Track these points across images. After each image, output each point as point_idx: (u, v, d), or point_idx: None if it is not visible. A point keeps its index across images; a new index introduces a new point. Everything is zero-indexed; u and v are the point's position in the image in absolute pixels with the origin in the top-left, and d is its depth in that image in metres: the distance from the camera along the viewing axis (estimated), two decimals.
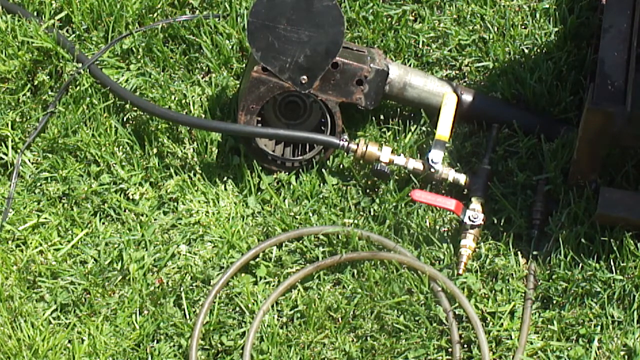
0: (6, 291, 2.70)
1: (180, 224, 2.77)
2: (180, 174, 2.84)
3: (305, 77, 2.69)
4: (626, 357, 2.48)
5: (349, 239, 2.65)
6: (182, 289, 2.65)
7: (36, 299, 2.71)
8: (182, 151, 2.87)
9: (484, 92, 2.85)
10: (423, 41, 2.95)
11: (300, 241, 2.68)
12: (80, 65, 2.94)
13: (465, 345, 2.53)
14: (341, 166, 2.81)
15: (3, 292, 2.69)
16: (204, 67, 3.01)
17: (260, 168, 2.79)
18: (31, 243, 2.79)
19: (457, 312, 2.54)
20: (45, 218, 2.83)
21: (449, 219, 2.69)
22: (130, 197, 2.83)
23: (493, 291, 2.58)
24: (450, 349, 2.51)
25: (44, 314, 2.68)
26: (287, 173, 2.80)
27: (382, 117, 2.86)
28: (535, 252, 2.61)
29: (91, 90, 2.92)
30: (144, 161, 2.87)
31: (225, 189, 2.82)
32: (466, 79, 2.92)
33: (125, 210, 2.81)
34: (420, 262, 2.60)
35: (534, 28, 2.92)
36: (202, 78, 3.00)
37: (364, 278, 2.62)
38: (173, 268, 2.70)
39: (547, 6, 2.95)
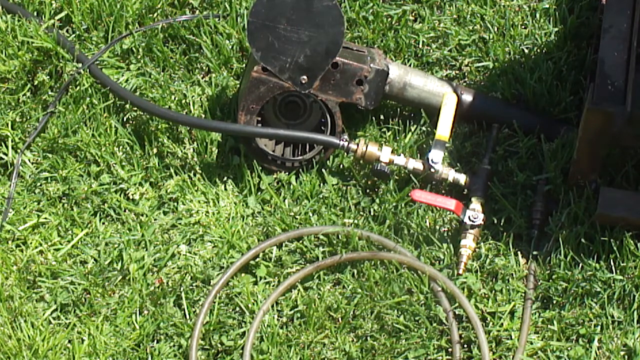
0: (6, 291, 2.70)
1: (180, 224, 2.77)
2: (180, 174, 2.85)
3: (305, 77, 2.69)
4: (626, 357, 2.48)
5: (349, 239, 2.65)
6: (182, 289, 2.65)
7: (36, 299, 2.71)
8: (182, 151, 2.87)
9: (484, 92, 2.85)
10: (423, 41, 2.95)
11: (300, 241, 2.68)
12: (80, 65, 2.94)
13: (465, 345, 2.53)
14: (341, 166, 2.81)
15: (3, 292, 2.69)
16: (204, 67, 3.01)
17: (260, 168, 2.79)
18: (31, 243, 2.79)
19: (457, 312, 2.54)
20: (45, 218, 2.83)
21: (449, 219, 2.69)
22: (130, 197, 2.83)
23: (493, 291, 2.58)
24: (450, 349, 2.51)
25: (44, 314, 2.68)
26: (287, 173, 2.80)
27: (382, 117, 2.86)
28: (535, 252, 2.61)
29: (91, 90, 2.92)
30: (144, 161, 2.87)
31: (225, 189, 2.82)
32: (466, 79, 2.92)
33: (125, 210, 2.81)
34: (420, 262, 2.60)
35: (534, 28, 2.92)
36: (202, 78, 3.00)
37: (364, 278, 2.62)
38: (173, 268, 2.70)
39: (547, 6, 2.95)
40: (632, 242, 2.51)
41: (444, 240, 2.65)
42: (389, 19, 2.98)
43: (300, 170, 2.80)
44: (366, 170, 2.78)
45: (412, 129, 2.82)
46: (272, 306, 2.61)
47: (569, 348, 2.50)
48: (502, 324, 2.53)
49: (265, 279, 2.66)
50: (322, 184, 2.78)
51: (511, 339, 2.51)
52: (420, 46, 2.95)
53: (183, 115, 2.86)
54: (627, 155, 2.66)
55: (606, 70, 2.41)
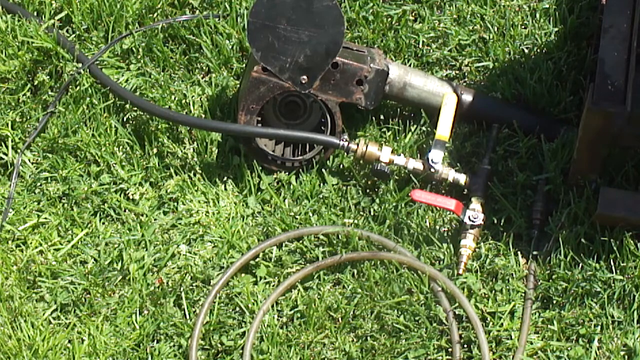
0: (6, 291, 2.70)
1: (180, 224, 2.77)
2: (180, 174, 2.84)
3: (305, 77, 2.69)
4: (626, 357, 2.48)
5: (349, 239, 2.65)
6: (182, 289, 2.65)
7: (36, 299, 2.71)
8: (182, 151, 2.87)
9: (484, 92, 2.85)
10: (423, 41, 2.95)
11: (300, 241, 2.68)
12: (80, 65, 2.94)
13: (465, 345, 2.53)
14: (341, 166, 2.81)
15: (3, 292, 2.69)
16: (204, 67, 3.01)
17: (260, 168, 2.79)
18: (31, 243, 2.79)
19: (457, 312, 2.54)
20: (45, 218, 2.83)
21: (449, 219, 2.69)
22: (130, 197, 2.83)
23: (493, 291, 2.58)
24: (450, 349, 2.51)
25: (44, 314, 2.68)
26: (287, 173, 2.80)
27: (382, 117, 2.86)
28: (535, 252, 2.61)
29: (91, 90, 2.92)
30: (144, 161, 2.87)
31: (225, 189, 2.82)
32: (466, 79, 2.92)
33: (125, 210, 2.81)
34: (420, 262, 2.60)
35: (534, 28, 2.92)
36: (202, 78, 3.00)
37: (364, 278, 2.62)
38: (173, 268, 2.70)
39: (547, 6, 2.95)
40: (632, 242, 2.51)
41: (444, 240, 2.65)
42: (389, 19, 2.98)
43: (300, 170, 2.80)
44: (366, 170, 2.78)
45: (412, 129, 2.82)
46: (272, 306, 2.61)
47: (569, 348, 2.50)
48: (502, 324, 2.53)
49: (265, 279, 2.66)
50: (322, 184, 2.78)
51: (511, 339, 2.51)
52: (420, 46, 2.95)
53: (183, 115, 2.86)
54: (627, 155, 2.66)
55: (606, 70, 2.40)
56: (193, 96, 2.93)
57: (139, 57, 3.00)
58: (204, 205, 2.79)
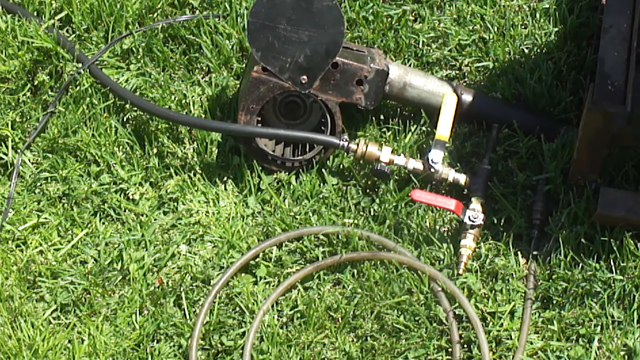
0: (6, 291, 2.70)
1: (180, 224, 2.77)
2: (180, 174, 2.84)
3: (305, 77, 2.69)
4: (626, 357, 2.48)
5: (349, 239, 2.65)
6: (182, 289, 2.65)
7: (36, 299, 2.71)
8: (182, 151, 2.87)
9: (484, 92, 2.85)
10: (423, 41, 2.95)
11: (300, 241, 2.68)
12: (80, 65, 2.94)
13: (465, 345, 2.53)
14: (341, 166, 2.81)
15: (3, 292, 2.69)
16: (204, 67, 3.01)
17: (260, 168, 2.79)
18: (31, 243, 2.79)
19: (457, 312, 2.54)
20: (45, 218, 2.83)
21: (449, 219, 2.69)
22: (130, 197, 2.83)
23: (493, 291, 2.58)
24: (450, 349, 2.51)
25: (44, 314, 2.68)
26: (287, 173, 2.80)
27: (382, 117, 2.86)
28: (535, 252, 2.61)
29: (91, 90, 2.92)
30: (144, 161, 2.87)
31: (225, 189, 2.82)
32: (466, 79, 2.92)
33: (125, 210, 2.81)
34: (420, 262, 2.60)
35: (534, 28, 2.92)
36: (202, 78, 3.00)
37: (364, 278, 2.62)
38: (173, 268, 2.70)
39: (547, 6, 2.95)
40: (632, 242, 2.51)
41: (444, 240, 2.65)
42: (389, 19, 2.98)
43: (300, 170, 2.80)
44: (366, 170, 2.78)
45: (412, 129, 2.82)
46: (272, 306, 2.61)
47: (569, 348, 2.50)
48: (502, 324, 2.53)
49: (265, 279, 2.66)
50: (322, 184, 2.78)
51: (511, 339, 2.51)
52: (420, 46, 2.95)
53: (183, 115, 2.86)
54: (627, 155, 2.66)
55: (606, 70, 2.40)
56: (193, 96, 2.93)
57: (139, 57, 3.00)
58: (204, 205, 2.79)
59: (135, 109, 2.91)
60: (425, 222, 2.68)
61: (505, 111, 2.81)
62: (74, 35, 3.07)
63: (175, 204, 2.81)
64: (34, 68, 3.02)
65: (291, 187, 2.78)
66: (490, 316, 2.54)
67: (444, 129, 2.71)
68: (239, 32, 2.99)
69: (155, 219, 2.79)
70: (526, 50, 2.89)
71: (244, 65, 2.96)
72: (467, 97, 2.80)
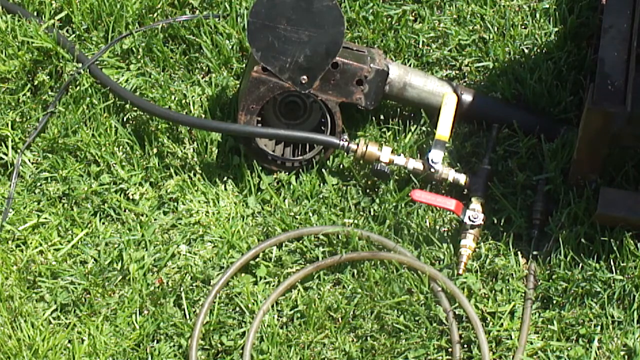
0: (6, 291, 2.70)
1: (180, 224, 2.77)
2: (180, 174, 2.84)
3: (305, 77, 2.69)
4: (626, 357, 2.48)
5: (349, 239, 2.65)
6: (182, 289, 2.65)
7: (36, 299, 2.71)
8: (182, 151, 2.87)
9: (484, 92, 2.85)
10: (423, 41, 2.95)
11: (300, 241, 2.68)
12: (80, 65, 2.94)
13: (465, 345, 2.53)
14: (341, 166, 2.81)
15: (3, 292, 2.69)
16: (204, 67, 3.01)
17: (260, 168, 2.79)
18: (31, 243, 2.79)
19: (457, 312, 2.54)
20: (45, 218, 2.83)
21: (449, 219, 2.69)
22: (130, 197, 2.83)
23: (493, 291, 2.58)
24: (450, 349, 2.51)
25: (44, 314, 2.68)
26: (287, 173, 2.80)
27: (382, 117, 2.86)
28: (535, 252, 2.61)
29: (91, 90, 2.92)
30: (144, 161, 2.87)
31: (225, 189, 2.82)
32: (466, 79, 2.92)
33: (125, 210, 2.81)
34: (420, 262, 2.60)
35: (534, 28, 2.92)
36: (202, 78, 3.00)
37: (364, 278, 2.62)
38: (173, 268, 2.70)
39: (547, 6, 2.95)
40: (632, 242, 2.51)
41: (444, 240, 2.65)
42: (389, 19, 2.98)
43: (300, 170, 2.80)
44: (366, 170, 2.78)
45: (412, 129, 2.82)
46: (272, 306, 2.61)
47: (569, 348, 2.50)
48: (502, 324, 2.53)
49: (265, 279, 2.66)
50: (322, 184, 2.78)
51: (511, 339, 2.51)
52: (420, 46, 2.95)
53: (183, 115, 2.86)
54: (627, 155, 2.66)
55: (606, 70, 2.40)
56: (193, 96, 2.93)
57: (139, 57, 3.00)
58: (204, 205, 2.79)
59: (135, 109, 2.91)
60: (425, 222, 2.68)
61: (505, 111, 2.81)
62: (74, 35, 3.08)
63: (175, 204, 2.81)
64: (34, 68, 3.02)
65: (291, 187, 2.78)
66: (490, 316, 2.54)
67: (444, 129, 2.71)
68: (239, 32, 2.99)
69: (155, 219, 2.79)
70: (526, 50, 2.89)
71: (244, 65, 2.96)
72: (467, 97, 2.80)
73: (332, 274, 2.65)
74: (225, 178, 2.84)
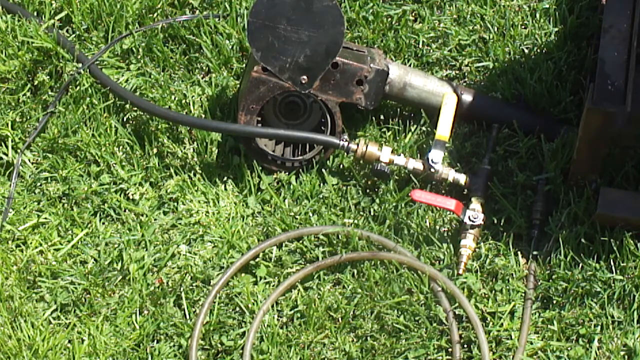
0: (6, 291, 2.70)
1: (180, 224, 2.77)
2: (180, 174, 2.84)
3: (305, 77, 2.69)
4: (626, 357, 2.48)
5: (349, 239, 2.65)
6: (182, 289, 2.65)
7: (36, 299, 2.71)
8: (182, 151, 2.87)
9: (484, 92, 2.85)
10: (423, 41, 2.95)
11: (300, 241, 2.68)
12: (80, 65, 2.94)
13: (465, 345, 2.53)
14: (341, 166, 2.81)
15: (3, 292, 2.69)
16: (204, 67, 3.01)
17: (260, 168, 2.79)
18: (31, 243, 2.79)
19: (457, 312, 2.54)
20: (45, 218, 2.83)
21: (449, 219, 2.69)
22: (130, 197, 2.83)
23: (493, 291, 2.58)
24: (450, 349, 2.51)
25: (44, 314, 2.68)
26: (287, 173, 2.80)
27: (382, 117, 2.86)
28: (535, 252, 2.61)
29: (91, 90, 2.92)
30: (144, 161, 2.87)
31: (225, 189, 2.82)
32: (466, 79, 2.92)
33: (125, 210, 2.81)
34: (420, 262, 2.60)
35: (534, 28, 2.92)
36: (202, 78, 3.00)
37: (364, 278, 2.62)
38: (173, 268, 2.70)
39: (547, 6, 2.95)
40: (632, 242, 2.51)
41: (444, 240, 2.65)
42: (389, 19, 2.98)
43: (300, 170, 2.80)
44: (366, 170, 2.78)
45: (412, 129, 2.82)
46: (272, 306, 2.61)
47: (569, 348, 2.50)
48: (502, 324, 2.53)
49: (265, 279, 2.66)
50: (322, 184, 2.78)
51: (511, 339, 2.51)
52: (420, 46, 2.95)
53: (183, 115, 2.86)
54: (627, 155, 2.66)
55: (606, 70, 2.41)
56: (193, 96, 2.93)
57: (139, 57, 3.00)
58: (204, 205, 2.79)
59: (135, 109, 2.91)
60: (425, 222, 2.68)
61: (505, 111, 2.81)
62: (74, 35, 3.08)
63: (175, 204, 2.81)
64: (34, 68, 3.02)
65: (291, 187, 2.78)
66: (490, 316, 2.54)
67: (444, 129, 2.71)
68: (239, 32, 2.99)
69: (155, 219, 2.79)
70: (526, 50, 2.89)
71: (244, 65, 2.96)
72: (467, 97, 2.80)
73: (332, 274, 2.65)
74: (225, 178, 2.84)
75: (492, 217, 2.66)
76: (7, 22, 3.05)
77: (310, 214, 2.71)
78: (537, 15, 2.94)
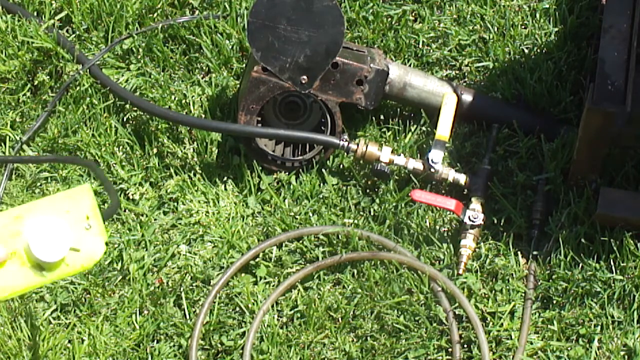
0: None
1: (180, 224, 2.77)
2: (180, 174, 2.84)
3: (305, 77, 2.69)
4: (626, 357, 2.48)
5: (349, 239, 2.65)
6: (182, 289, 2.65)
7: (36, 299, 2.71)
8: (182, 151, 2.87)
9: (484, 92, 2.85)
10: (423, 41, 2.95)
11: (300, 241, 2.68)
12: (80, 67, 2.94)
13: (465, 345, 2.53)
14: (341, 166, 2.81)
15: None
16: (204, 67, 3.01)
17: (260, 168, 2.79)
18: None
19: (457, 312, 2.54)
20: None
21: (449, 219, 2.69)
22: (130, 197, 2.82)
23: (493, 291, 2.58)
24: (450, 349, 2.51)
25: (44, 314, 2.68)
26: (287, 173, 2.80)
27: (382, 117, 2.86)
28: (535, 252, 2.61)
29: (91, 90, 2.92)
30: (144, 161, 2.87)
31: (225, 189, 2.82)
32: (466, 79, 2.92)
33: (125, 210, 2.81)
34: (420, 262, 2.60)
35: (534, 28, 2.92)
36: (202, 78, 3.00)
37: (364, 278, 2.62)
38: (173, 268, 2.70)
39: (547, 6, 2.95)
40: (632, 242, 2.51)
41: (444, 240, 2.65)
42: (389, 19, 2.99)
43: (300, 170, 2.80)
44: (366, 170, 2.78)
45: (412, 129, 2.82)
46: (272, 306, 2.61)
47: (569, 348, 2.50)
48: (502, 324, 2.53)
49: (265, 279, 2.66)
50: (322, 184, 2.78)
51: (511, 339, 2.51)
52: (420, 46, 2.96)
53: (183, 115, 2.86)
54: (627, 155, 2.66)
55: (606, 70, 2.41)
56: (193, 96, 2.93)
57: (139, 57, 3.00)
58: (204, 205, 2.79)
59: (135, 109, 2.91)
60: (425, 222, 2.68)
61: (505, 111, 2.81)
62: (74, 35, 3.08)
63: (175, 204, 2.81)
64: (34, 68, 3.02)
65: (291, 187, 2.78)
66: (490, 316, 2.54)
67: (444, 129, 2.71)
68: (239, 32, 2.99)
69: (155, 219, 2.79)
70: (526, 50, 2.89)
71: (244, 65, 2.96)
72: (467, 97, 2.80)
73: (332, 274, 2.65)
74: (225, 178, 2.84)
75: (492, 217, 2.66)
76: (7, 22, 3.05)
77: (310, 214, 2.71)
78: (537, 15, 2.94)
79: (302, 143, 2.82)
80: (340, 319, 2.59)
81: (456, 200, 2.65)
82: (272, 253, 2.67)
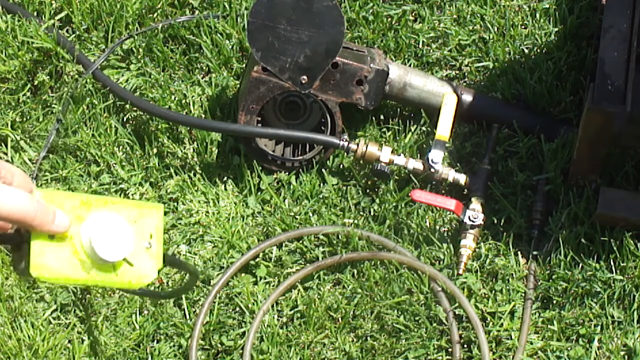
0: (6, 291, 2.70)
1: (180, 224, 2.77)
2: (180, 174, 2.85)
3: (305, 77, 2.69)
4: (626, 357, 2.48)
5: (349, 239, 2.65)
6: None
7: (36, 299, 2.71)
8: (182, 151, 2.87)
9: (484, 92, 2.85)
10: (423, 41, 2.95)
11: (300, 241, 2.68)
12: (81, 67, 2.94)
13: (465, 345, 2.53)
14: (341, 166, 2.81)
15: (3, 292, 2.69)
16: (204, 67, 3.01)
17: (260, 168, 2.79)
18: None
19: (457, 312, 2.54)
20: None
21: (449, 219, 2.69)
22: (130, 197, 2.82)
23: (493, 291, 2.58)
24: (450, 349, 2.51)
25: (44, 314, 2.68)
26: (287, 173, 2.80)
27: (382, 117, 2.86)
28: (535, 252, 2.61)
29: (91, 90, 2.92)
30: (144, 161, 2.87)
31: (225, 189, 2.82)
32: (466, 79, 2.92)
33: None
34: (420, 262, 2.60)
35: (534, 28, 2.92)
36: (202, 78, 3.00)
37: (364, 278, 2.62)
38: (173, 268, 2.70)
39: (547, 6, 2.95)
40: (632, 242, 2.51)
41: (444, 240, 2.65)
42: (389, 19, 2.98)
43: (300, 170, 2.80)
44: (366, 170, 2.78)
45: (412, 129, 2.82)
46: (272, 306, 2.61)
47: (569, 348, 2.50)
48: (502, 324, 2.53)
49: (265, 279, 2.66)
50: (322, 184, 2.78)
51: (511, 339, 2.51)
52: (420, 46, 2.96)
53: (183, 115, 2.86)
54: (627, 155, 2.66)
55: (606, 70, 2.41)
56: (193, 96, 2.93)
57: (139, 57, 3.00)
58: (204, 205, 2.79)
59: (135, 109, 2.91)
60: (425, 222, 2.68)
61: (505, 111, 2.81)
62: (74, 35, 3.08)
63: (175, 204, 2.81)
64: (34, 68, 3.02)
65: (291, 187, 2.78)
66: (490, 316, 2.54)
67: (444, 129, 2.71)
68: (239, 32, 2.99)
69: None
70: (526, 50, 2.89)
71: (244, 65, 2.96)
72: (467, 97, 2.80)
73: (332, 274, 2.65)
74: (225, 178, 2.84)
75: (492, 217, 2.66)
76: (7, 22, 3.05)
77: (310, 214, 2.71)
78: (537, 15, 2.94)
79: (302, 143, 2.82)
80: (340, 319, 2.59)
81: (456, 200, 2.65)
82: (272, 253, 2.68)
